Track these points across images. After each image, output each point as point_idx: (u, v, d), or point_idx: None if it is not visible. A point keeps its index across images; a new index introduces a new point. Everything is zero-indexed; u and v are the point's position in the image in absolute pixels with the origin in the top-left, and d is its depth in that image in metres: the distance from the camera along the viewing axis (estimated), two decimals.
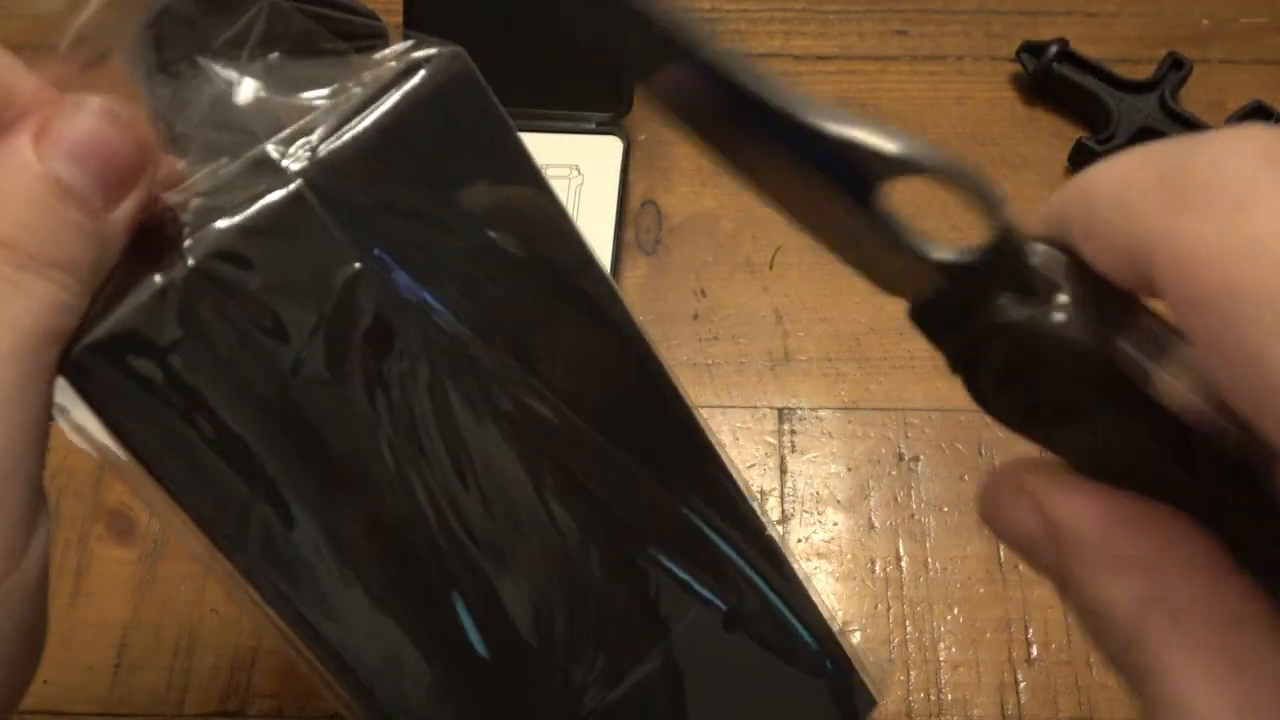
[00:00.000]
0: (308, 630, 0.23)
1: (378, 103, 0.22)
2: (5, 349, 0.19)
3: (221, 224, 0.21)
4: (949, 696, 0.38)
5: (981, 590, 0.40)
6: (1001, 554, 0.41)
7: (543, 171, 0.24)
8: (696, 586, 0.28)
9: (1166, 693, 0.16)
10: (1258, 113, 0.50)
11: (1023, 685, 0.39)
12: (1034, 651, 0.39)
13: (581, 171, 0.48)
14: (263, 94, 0.23)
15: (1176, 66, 0.51)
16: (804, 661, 0.30)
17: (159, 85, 0.23)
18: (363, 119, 0.22)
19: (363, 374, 0.22)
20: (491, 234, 0.23)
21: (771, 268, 0.47)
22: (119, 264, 0.21)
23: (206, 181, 0.22)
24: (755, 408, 0.44)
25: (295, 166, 0.21)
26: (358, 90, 0.22)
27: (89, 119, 0.20)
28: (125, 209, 0.20)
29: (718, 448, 0.28)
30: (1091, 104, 0.50)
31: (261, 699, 0.38)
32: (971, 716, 0.38)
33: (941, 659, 0.39)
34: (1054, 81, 0.51)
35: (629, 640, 0.27)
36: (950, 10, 0.55)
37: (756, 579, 0.29)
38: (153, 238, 0.21)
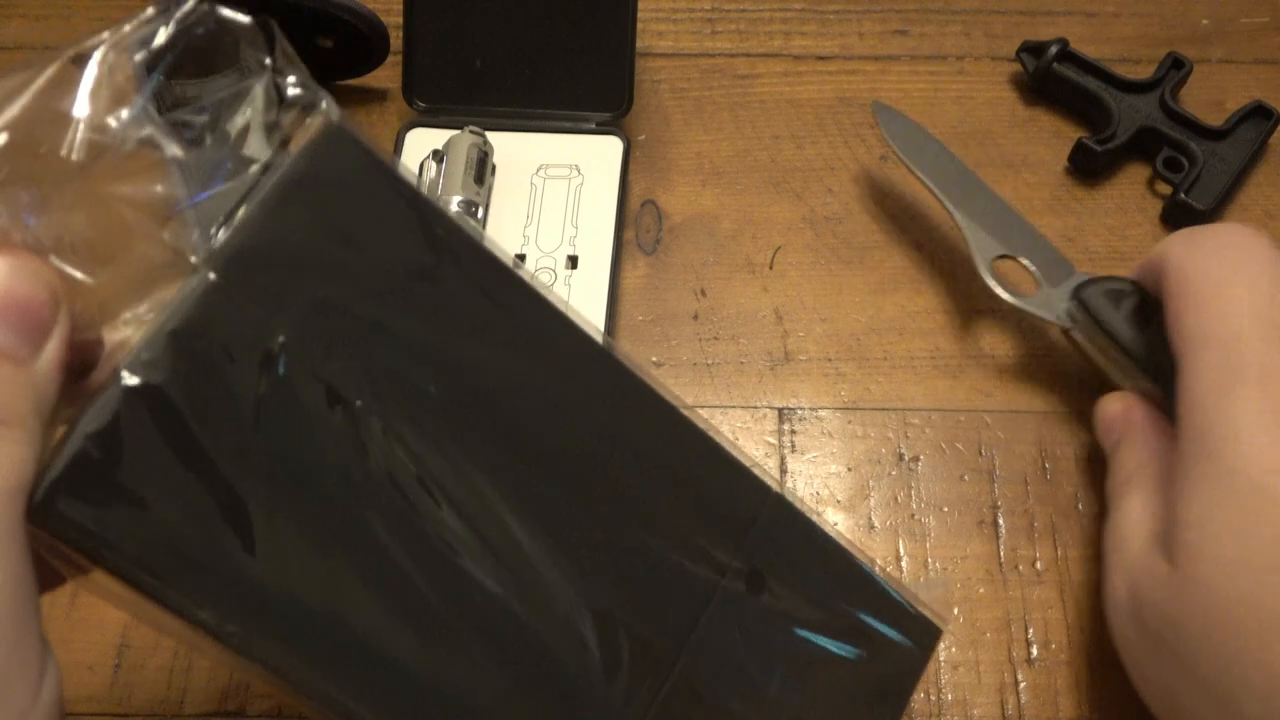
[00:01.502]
0: (339, 706, 0.23)
1: (261, 185, 0.23)
2: None
3: (145, 334, 0.22)
4: (949, 697, 0.38)
5: (981, 590, 0.40)
6: (1001, 554, 0.41)
7: (436, 204, 0.25)
8: (720, 557, 0.27)
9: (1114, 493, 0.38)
10: (1258, 113, 0.50)
11: (1023, 685, 0.39)
12: (1034, 651, 0.39)
13: (581, 171, 0.48)
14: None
15: (1176, 66, 0.51)
16: (850, 608, 0.30)
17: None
18: (253, 200, 0.23)
19: (319, 437, 0.23)
20: (397, 278, 0.24)
21: (771, 268, 0.47)
22: (67, 404, 0.22)
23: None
24: (755, 408, 0.44)
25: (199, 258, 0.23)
26: (252, 170, 0.23)
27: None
28: (51, 350, 0.22)
29: (697, 422, 0.28)
30: (1091, 104, 0.50)
31: (261, 699, 0.38)
32: (971, 716, 0.38)
33: (941, 659, 0.39)
34: (1054, 81, 0.51)
35: (663, 633, 0.26)
36: (950, 10, 0.55)
37: (777, 539, 0.28)
38: (91, 369, 0.23)
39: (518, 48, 0.48)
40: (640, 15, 0.48)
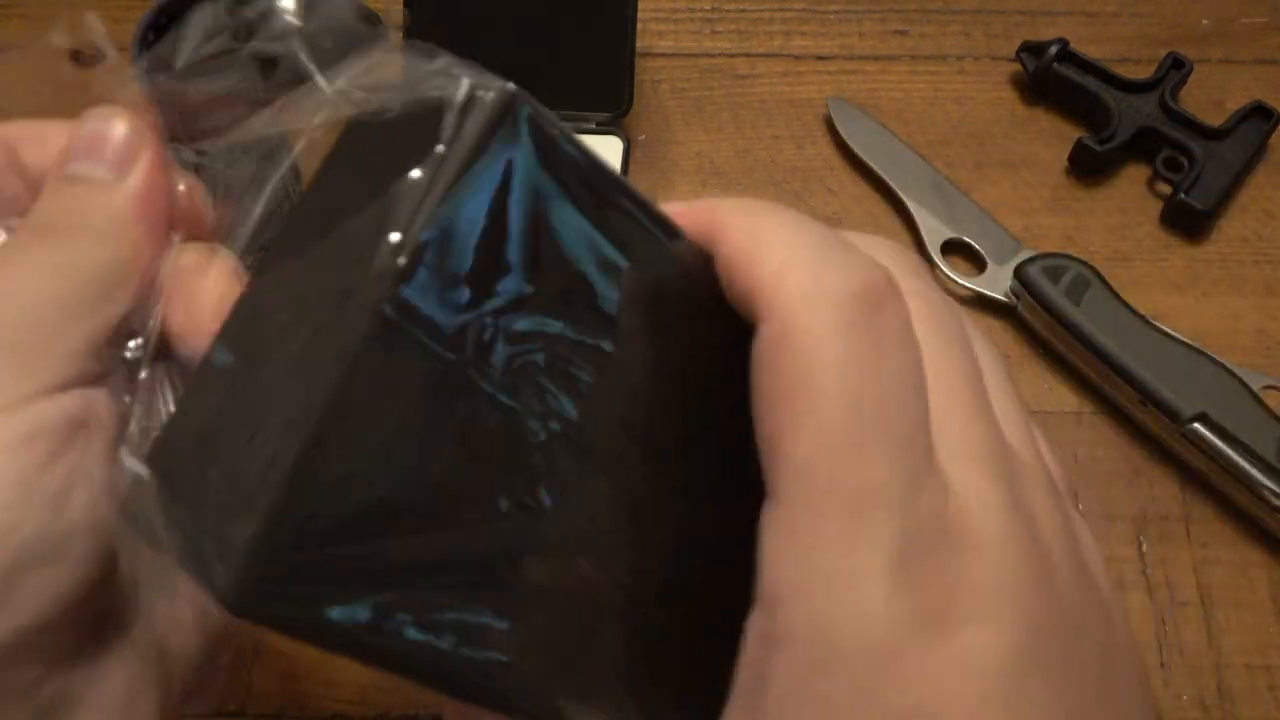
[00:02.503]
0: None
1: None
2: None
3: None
4: None
5: None
6: None
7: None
8: None
9: None
10: (1258, 113, 0.50)
11: None
12: None
13: None
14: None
15: (1176, 66, 0.51)
16: None
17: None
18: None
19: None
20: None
21: None
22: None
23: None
24: None
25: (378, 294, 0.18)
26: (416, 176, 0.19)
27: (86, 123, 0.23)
28: (139, 169, 0.23)
29: None
30: (1091, 104, 0.50)
31: (261, 699, 0.38)
32: None
33: None
34: (1054, 81, 0.51)
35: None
36: (950, 10, 0.55)
37: None
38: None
39: (517, 48, 0.48)
40: (640, 15, 0.48)
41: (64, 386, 0.21)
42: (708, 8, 0.55)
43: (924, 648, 0.17)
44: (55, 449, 0.20)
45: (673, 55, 0.53)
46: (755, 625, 0.18)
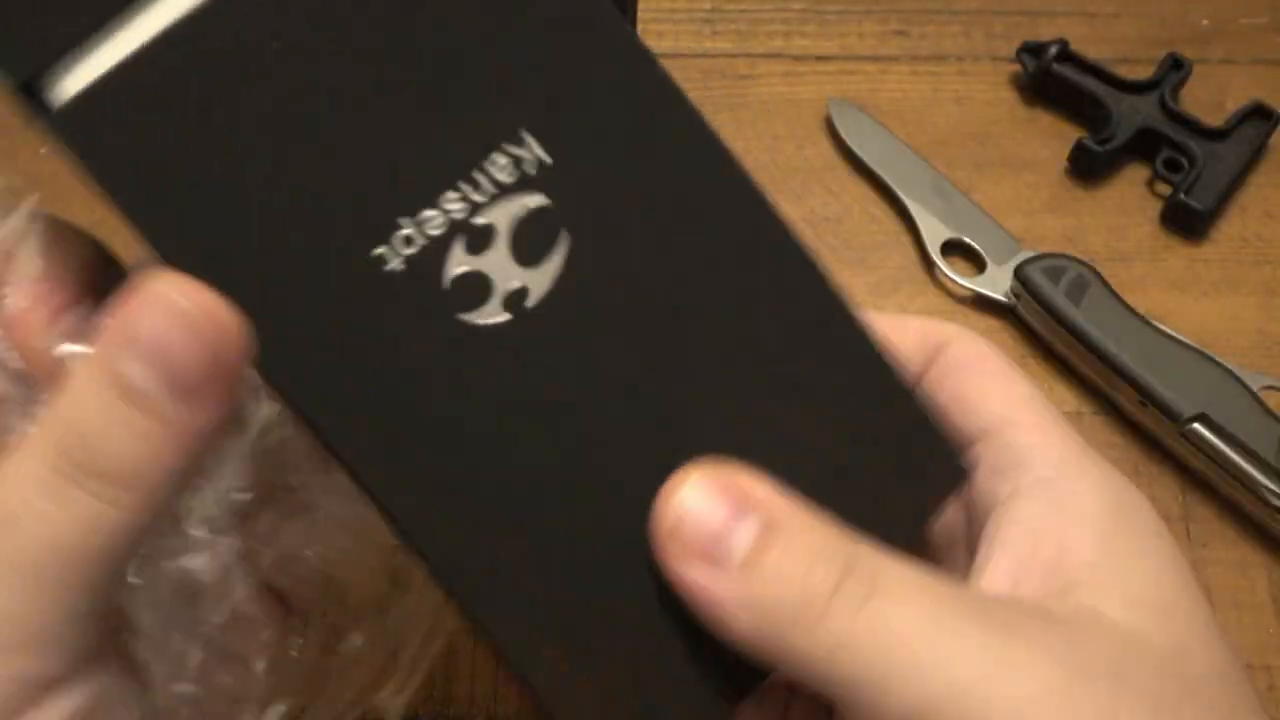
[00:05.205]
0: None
1: None
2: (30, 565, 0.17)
3: None
4: None
5: None
6: None
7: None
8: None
9: None
10: (1258, 113, 0.50)
11: None
12: None
13: None
14: None
15: (1176, 67, 0.51)
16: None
17: None
18: None
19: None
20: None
21: None
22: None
23: None
24: None
25: None
26: None
27: (160, 321, 0.17)
28: (202, 415, 0.18)
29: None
30: (1091, 104, 0.50)
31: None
32: None
33: None
34: (1054, 82, 0.51)
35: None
36: (950, 10, 0.55)
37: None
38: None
39: None
40: (640, 15, 0.48)
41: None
42: (708, 8, 0.55)
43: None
44: None
45: (672, 55, 0.53)
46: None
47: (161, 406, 0.17)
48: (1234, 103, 0.50)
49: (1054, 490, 0.23)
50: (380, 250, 0.19)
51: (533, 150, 0.20)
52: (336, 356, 0.19)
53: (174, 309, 0.17)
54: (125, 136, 0.18)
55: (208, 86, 0.18)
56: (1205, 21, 0.54)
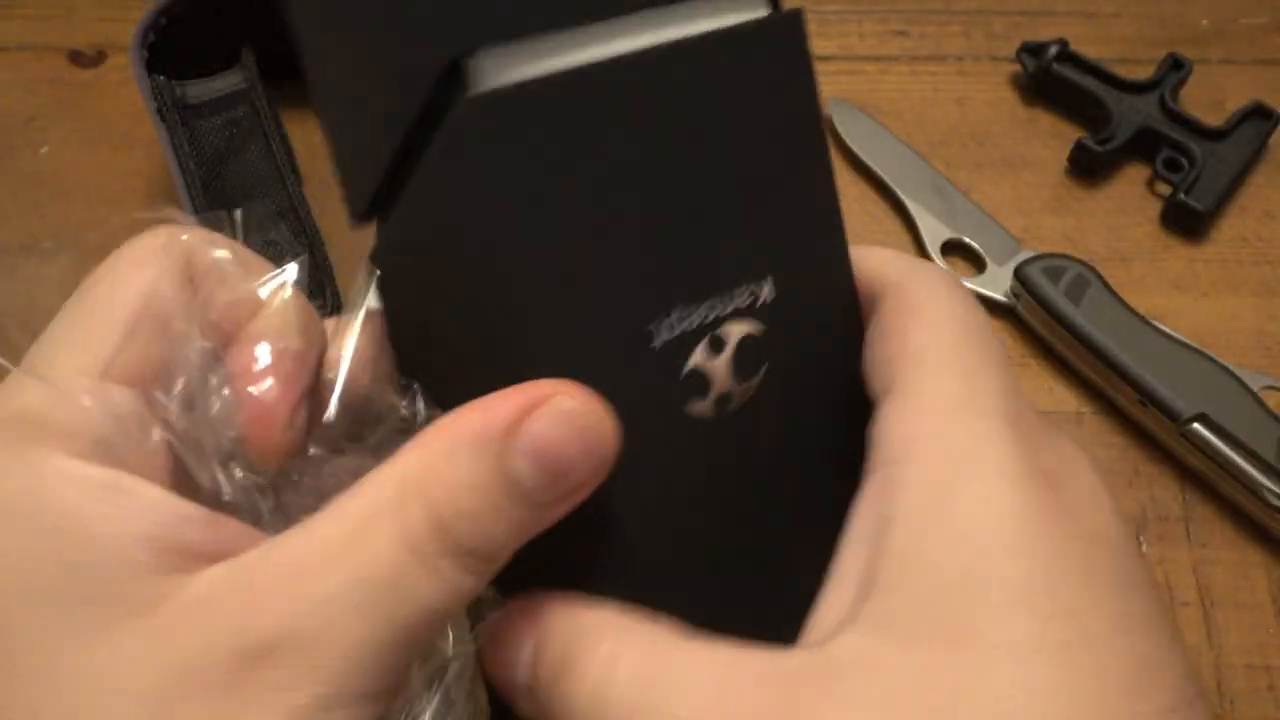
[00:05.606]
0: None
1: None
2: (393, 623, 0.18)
3: None
4: None
5: None
6: None
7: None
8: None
9: None
10: (1258, 113, 0.50)
11: None
12: None
13: None
14: None
15: (1176, 67, 0.51)
16: None
17: None
18: None
19: None
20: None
21: None
22: None
23: None
24: None
25: None
26: None
27: (554, 423, 0.19)
28: (568, 508, 0.19)
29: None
30: (1091, 104, 0.50)
31: None
32: None
33: None
34: (1054, 81, 0.51)
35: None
36: (950, 10, 0.55)
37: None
38: None
39: None
40: None
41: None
42: None
43: (1050, 504, 0.20)
44: None
45: None
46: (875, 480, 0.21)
47: (542, 505, 0.19)
48: (1234, 103, 0.51)
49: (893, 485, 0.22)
50: (652, 326, 0.21)
51: (766, 289, 0.23)
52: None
53: (565, 416, 0.19)
54: (520, 146, 0.19)
55: (590, 138, 0.20)
56: (1205, 21, 0.54)
